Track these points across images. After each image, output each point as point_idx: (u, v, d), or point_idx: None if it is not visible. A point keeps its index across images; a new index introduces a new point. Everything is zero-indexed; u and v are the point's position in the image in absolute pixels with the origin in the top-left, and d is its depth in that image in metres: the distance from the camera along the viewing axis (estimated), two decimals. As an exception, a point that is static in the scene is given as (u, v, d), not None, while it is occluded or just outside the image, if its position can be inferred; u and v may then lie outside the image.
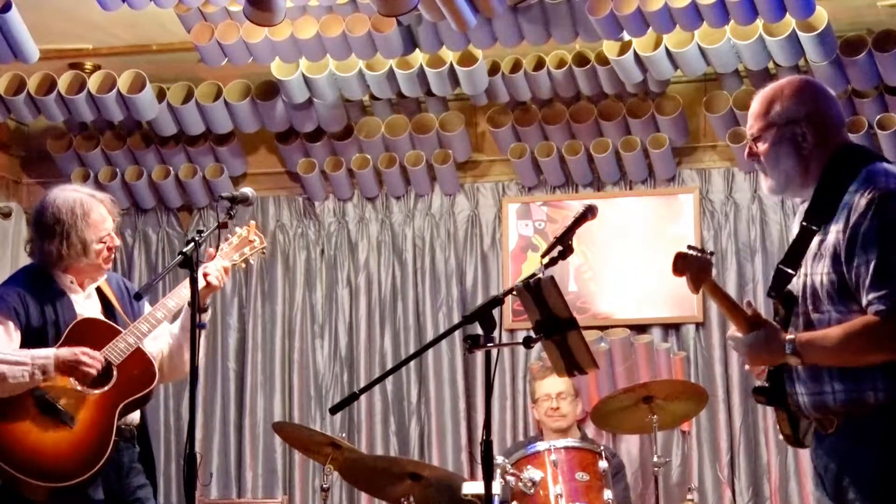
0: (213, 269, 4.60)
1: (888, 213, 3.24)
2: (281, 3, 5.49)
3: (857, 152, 3.49)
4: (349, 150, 6.98)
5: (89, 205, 4.51)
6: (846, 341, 3.26)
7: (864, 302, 3.25)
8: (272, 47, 6.16)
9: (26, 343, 4.40)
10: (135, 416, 4.58)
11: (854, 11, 6.04)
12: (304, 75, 6.54)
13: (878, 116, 6.28)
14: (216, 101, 6.78)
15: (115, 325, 4.51)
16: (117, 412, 4.42)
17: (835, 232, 3.31)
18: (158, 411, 7.06)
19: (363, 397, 5.67)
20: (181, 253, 4.21)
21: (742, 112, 6.42)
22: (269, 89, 6.77)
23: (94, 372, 4.35)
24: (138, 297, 4.62)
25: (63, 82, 6.63)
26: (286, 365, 7.05)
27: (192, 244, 4.21)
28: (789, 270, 3.42)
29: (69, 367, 4.33)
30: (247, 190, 4.56)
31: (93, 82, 6.64)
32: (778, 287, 3.45)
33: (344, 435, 6.54)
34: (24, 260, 7.03)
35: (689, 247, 3.51)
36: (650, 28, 5.84)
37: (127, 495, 4.51)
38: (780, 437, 3.62)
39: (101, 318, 4.55)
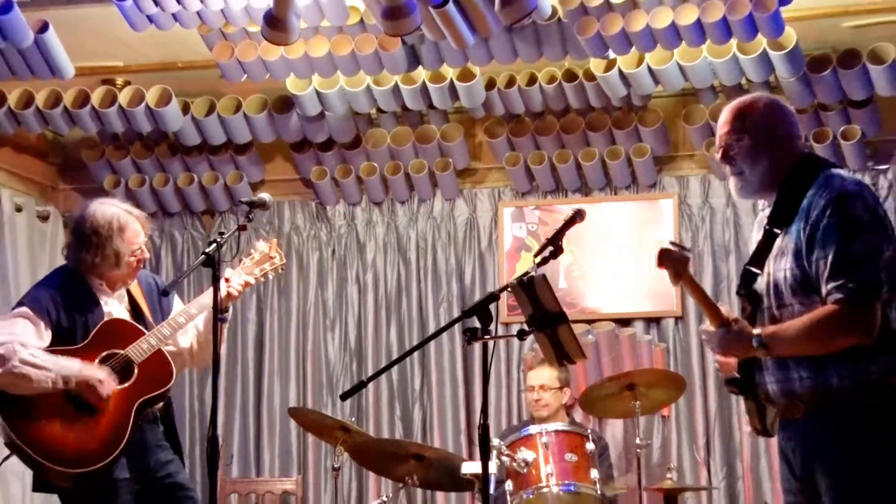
0: (235, 283, 4.61)
1: (845, 210, 3.25)
2: (295, 24, 5.49)
3: (814, 161, 3.52)
4: (358, 159, 6.97)
5: (125, 221, 4.50)
6: (809, 331, 3.25)
7: (823, 292, 3.24)
8: (287, 64, 6.15)
9: (56, 341, 4.39)
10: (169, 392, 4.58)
11: (820, 32, 6.03)
12: (316, 90, 6.53)
13: (842, 128, 6.29)
14: (236, 113, 6.77)
15: (139, 326, 4.50)
16: (135, 407, 4.41)
17: (796, 231, 3.32)
18: (183, 398, 7.06)
19: (371, 385, 5.66)
20: (204, 253, 4.22)
21: (718, 124, 6.40)
22: (285, 103, 6.76)
23: (102, 398, 4.33)
24: (165, 293, 4.61)
25: (96, 97, 6.63)
26: (300, 355, 7.05)
27: (215, 245, 4.23)
28: (755, 270, 3.43)
29: (86, 387, 4.32)
30: (264, 195, 4.56)
31: (123, 97, 6.64)
32: (745, 285, 3.46)
33: (353, 419, 6.52)
34: (61, 260, 7.01)
35: (671, 242, 3.50)
36: (633, 47, 5.83)
37: (155, 471, 4.50)
38: (748, 429, 3.60)
39: (128, 318, 4.53)
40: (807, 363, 3.28)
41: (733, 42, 5.85)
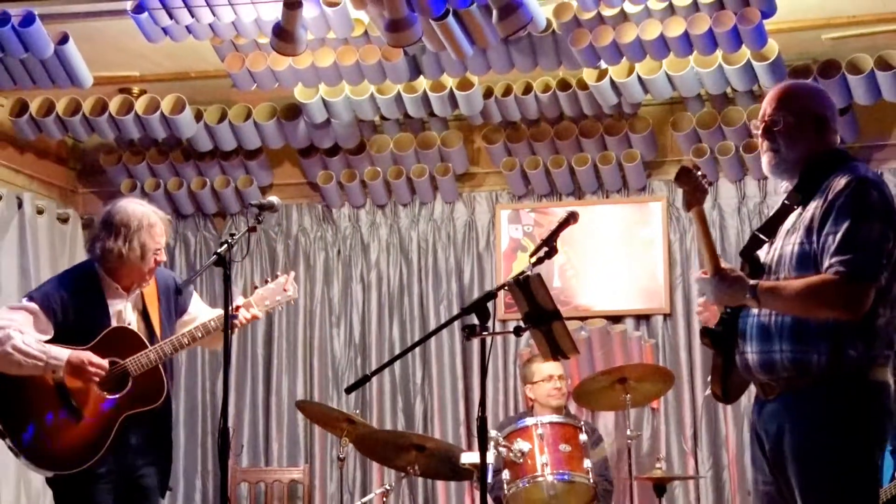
0: (242, 316, 4.55)
1: (863, 194, 3.25)
2: (303, 36, 5.50)
3: (843, 153, 3.52)
4: (362, 164, 6.97)
5: (154, 219, 4.49)
6: (802, 294, 3.22)
7: (825, 265, 3.22)
8: (295, 74, 6.16)
9: (59, 340, 4.37)
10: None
11: (801, 44, 6.05)
12: (322, 98, 6.53)
13: (822, 134, 6.27)
14: (246, 121, 6.77)
15: (144, 339, 4.45)
16: (120, 420, 4.37)
17: (812, 208, 3.31)
18: (196, 391, 7.06)
19: (374, 379, 5.62)
20: (216, 253, 4.22)
21: (704, 130, 6.43)
22: (293, 111, 6.77)
23: (96, 379, 4.31)
24: (178, 291, 4.58)
25: (114, 105, 6.63)
26: (307, 350, 7.04)
27: (226, 245, 4.22)
28: (762, 237, 3.42)
29: (76, 370, 4.30)
30: (273, 198, 4.57)
31: (139, 105, 6.64)
32: (749, 249, 3.44)
33: (358, 412, 6.52)
34: (80, 260, 7.03)
35: (695, 165, 3.43)
36: (624, 57, 5.84)
37: (133, 470, 4.46)
38: (708, 392, 3.58)
39: (137, 323, 4.50)
40: (789, 336, 3.27)
41: (719, 53, 5.86)
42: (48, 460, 4.34)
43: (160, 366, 4.44)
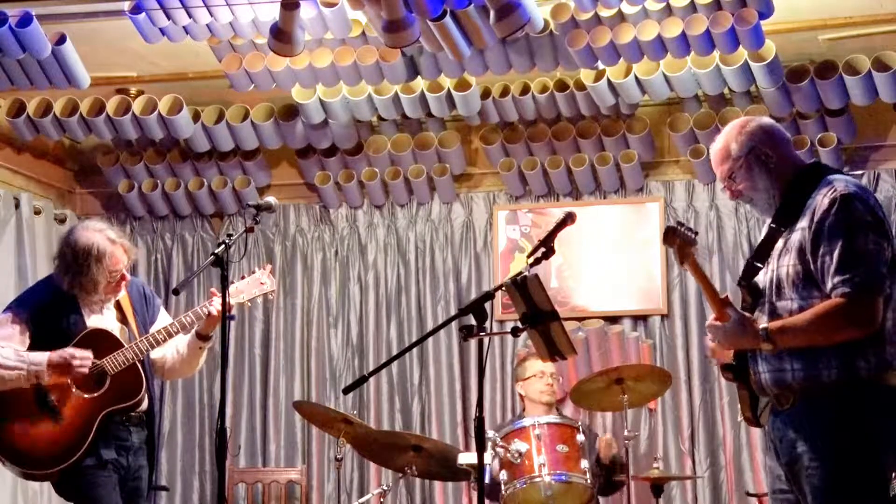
0: (216, 303, 4.48)
1: (849, 210, 3.25)
2: (300, 36, 5.50)
3: (819, 168, 3.52)
4: (360, 164, 6.97)
5: (104, 249, 4.44)
6: (815, 323, 3.23)
7: (828, 286, 3.23)
8: (293, 75, 6.15)
9: (37, 347, 4.40)
10: (143, 404, 4.55)
11: (799, 44, 6.04)
12: (320, 99, 6.53)
13: (819, 135, 6.29)
14: (244, 121, 6.76)
15: (119, 339, 4.47)
16: (99, 417, 4.40)
17: (800, 230, 3.31)
18: (193, 392, 7.06)
19: (372, 379, 5.64)
20: (213, 254, 4.23)
21: (701, 131, 6.42)
22: (290, 111, 6.76)
23: (85, 370, 4.33)
24: (176, 292, 4.65)
25: (111, 105, 6.63)
26: (305, 351, 7.04)
27: (223, 246, 4.23)
28: (757, 264, 3.42)
29: (61, 368, 4.33)
30: (270, 199, 4.57)
31: (137, 105, 6.64)
32: (746, 277, 3.45)
33: (355, 412, 6.53)
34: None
35: (678, 222, 3.47)
36: (621, 58, 5.83)
37: (132, 471, 4.52)
38: (740, 419, 3.60)
39: (112, 329, 4.52)
40: (799, 355, 3.27)
41: (716, 54, 5.85)
42: (27, 463, 4.38)
43: (138, 364, 4.46)
